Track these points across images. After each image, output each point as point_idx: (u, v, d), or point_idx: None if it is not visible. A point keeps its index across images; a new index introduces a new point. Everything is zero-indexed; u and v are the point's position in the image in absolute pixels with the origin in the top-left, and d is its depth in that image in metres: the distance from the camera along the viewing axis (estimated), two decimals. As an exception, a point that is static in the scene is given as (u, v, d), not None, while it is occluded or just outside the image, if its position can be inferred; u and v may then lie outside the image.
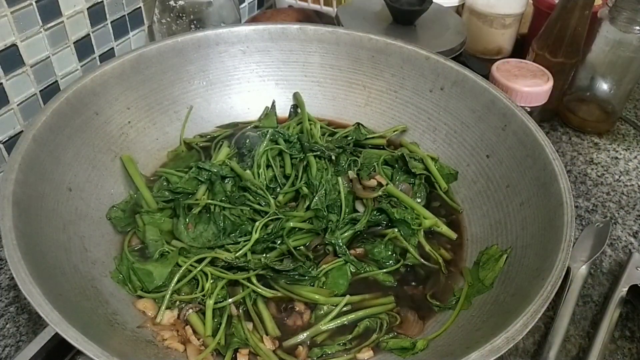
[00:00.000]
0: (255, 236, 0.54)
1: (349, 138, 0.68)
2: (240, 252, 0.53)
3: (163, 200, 0.59)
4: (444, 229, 0.59)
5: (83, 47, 0.69)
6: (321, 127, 0.69)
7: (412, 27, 0.78)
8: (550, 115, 0.86)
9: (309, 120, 0.69)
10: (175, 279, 0.51)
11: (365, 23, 0.78)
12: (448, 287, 0.54)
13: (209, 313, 0.50)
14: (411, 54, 0.67)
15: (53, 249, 0.47)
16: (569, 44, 0.75)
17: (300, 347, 0.49)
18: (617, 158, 0.81)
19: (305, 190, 0.59)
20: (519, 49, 0.92)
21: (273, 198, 0.59)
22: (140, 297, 0.51)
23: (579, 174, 0.77)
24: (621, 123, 0.87)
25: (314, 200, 0.58)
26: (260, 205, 0.58)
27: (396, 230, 0.57)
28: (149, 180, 0.61)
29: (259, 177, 0.61)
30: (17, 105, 0.63)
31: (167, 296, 0.50)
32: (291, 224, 0.56)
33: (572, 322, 0.57)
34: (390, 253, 0.56)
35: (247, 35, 0.69)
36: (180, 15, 0.73)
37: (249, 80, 0.71)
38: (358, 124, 0.69)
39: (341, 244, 0.55)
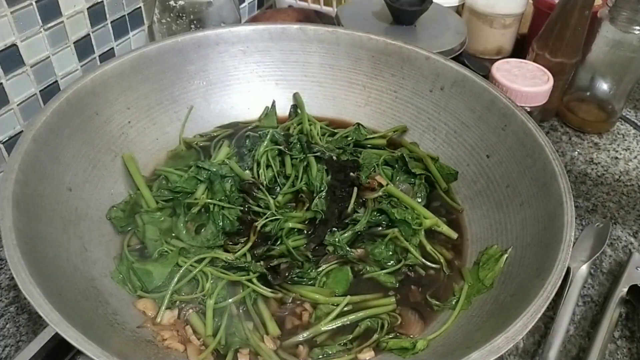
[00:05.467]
0: (253, 237, 0.54)
1: (349, 138, 0.68)
2: (239, 252, 0.53)
3: (162, 200, 0.59)
4: (444, 228, 0.59)
5: (83, 47, 0.69)
6: (321, 128, 0.69)
7: (412, 27, 0.78)
8: (550, 115, 0.86)
9: (308, 121, 0.69)
10: (175, 279, 0.51)
11: (365, 23, 0.78)
12: (448, 287, 0.54)
13: (209, 313, 0.50)
14: (411, 54, 0.67)
15: (53, 249, 0.47)
16: (569, 44, 0.75)
17: (301, 347, 0.49)
18: (617, 158, 0.81)
19: (305, 190, 0.59)
20: (519, 49, 0.92)
21: (273, 198, 0.59)
22: (140, 297, 0.51)
23: (579, 174, 0.77)
24: (621, 123, 0.87)
25: (315, 201, 0.58)
26: (260, 206, 0.58)
27: (397, 230, 0.57)
28: (148, 180, 0.61)
29: (258, 177, 0.61)
30: (17, 105, 0.63)
31: (167, 296, 0.50)
32: (290, 225, 0.56)
33: (572, 322, 0.57)
34: (391, 253, 0.56)
35: (247, 35, 0.69)
36: (180, 15, 0.73)
37: (249, 80, 0.71)
38: (358, 124, 0.69)
39: (342, 244, 0.55)
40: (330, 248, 0.56)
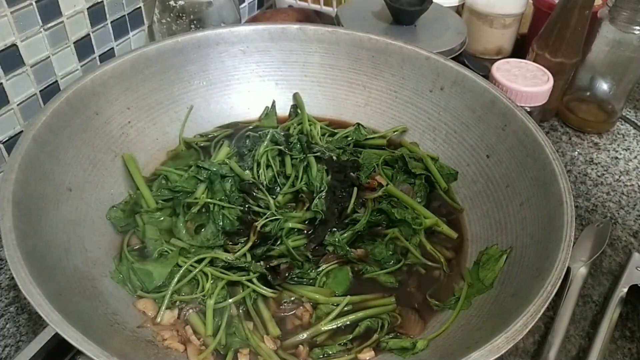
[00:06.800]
0: (253, 237, 0.54)
1: (349, 138, 0.68)
2: (239, 252, 0.53)
3: (162, 199, 0.59)
4: (444, 228, 0.59)
5: (83, 47, 0.69)
6: (321, 128, 0.69)
7: (412, 27, 0.78)
8: (550, 115, 0.86)
9: (308, 121, 0.69)
10: (176, 279, 0.51)
11: (365, 23, 0.78)
12: (448, 287, 0.54)
13: (209, 313, 0.50)
14: (411, 54, 0.67)
15: (53, 249, 0.47)
16: (569, 44, 0.75)
17: (301, 347, 0.49)
18: (617, 158, 0.81)
19: (305, 190, 0.59)
20: (519, 49, 0.92)
21: (273, 198, 0.59)
22: (140, 297, 0.51)
23: (579, 174, 0.77)
24: (621, 123, 0.87)
25: (315, 201, 0.58)
26: (260, 206, 0.58)
27: (397, 230, 0.57)
28: (148, 180, 0.61)
29: (258, 177, 0.61)
30: (17, 105, 0.63)
31: (167, 296, 0.50)
32: (290, 225, 0.56)
33: (572, 322, 0.57)
34: (391, 253, 0.56)
35: (247, 35, 0.69)
36: (180, 15, 0.73)
37: (249, 80, 0.71)
38: (358, 124, 0.69)
39: (342, 244, 0.55)
40: (330, 248, 0.56)
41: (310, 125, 0.69)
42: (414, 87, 0.68)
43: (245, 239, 0.55)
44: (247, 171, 0.62)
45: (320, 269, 0.54)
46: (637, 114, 0.90)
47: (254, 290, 0.52)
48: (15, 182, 0.47)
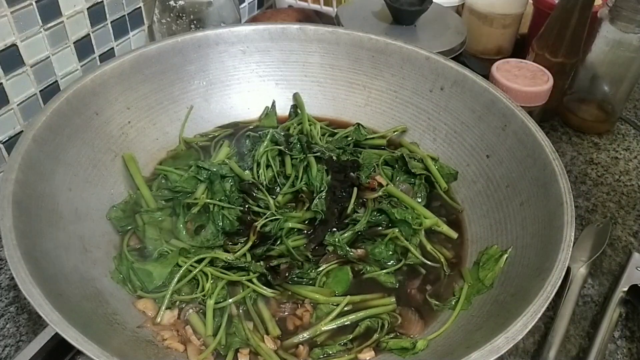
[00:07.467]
0: (253, 237, 0.54)
1: (349, 138, 0.68)
2: (239, 252, 0.53)
3: (162, 199, 0.59)
4: (444, 228, 0.59)
5: (83, 47, 0.69)
6: (321, 128, 0.69)
7: (412, 27, 0.78)
8: (550, 115, 0.86)
9: (308, 121, 0.69)
10: (176, 279, 0.51)
11: (365, 23, 0.78)
12: (448, 287, 0.54)
13: (209, 313, 0.50)
14: (411, 54, 0.67)
15: (53, 249, 0.47)
16: (569, 44, 0.76)
17: (301, 347, 0.49)
18: (617, 158, 0.81)
19: (305, 190, 0.59)
20: (519, 49, 0.92)
21: (273, 198, 0.59)
22: (140, 297, 0.51)
23: (579, 174, 0.77)
24: (621, 123, 0.87)
25: (315, 201, 0.58)
26: (260, 206, 0.58)
27: (397, 230, 0.57)
28: (148, 180, 0.61)
29: (258, 177, 0.61)
30: (17, 105, 0.63)
31: (167, 296, 0.50)
32: (290, 225, 0.56)
33: (572, 322, 0.57)
34: (391, 253, 0.56)
35: (247, 35, 0.69)
36: (180, 15, 0.73)
37: (249, 80, 0.71)
38: (358, 124, 0.69)
39: (342, 244, 0.55)
40: (330, 248, 0.56)
41: (310, 125, 0.69)
42: (414, 87, 0.68)
43: (245, 239, 0.55)
44: (247, 171, 0.62)
45: (320, 269, 0.54)
46: (637, 114, 0.90)
47: (254, 290, 0.52)
48: (15, 182, 0.47)
